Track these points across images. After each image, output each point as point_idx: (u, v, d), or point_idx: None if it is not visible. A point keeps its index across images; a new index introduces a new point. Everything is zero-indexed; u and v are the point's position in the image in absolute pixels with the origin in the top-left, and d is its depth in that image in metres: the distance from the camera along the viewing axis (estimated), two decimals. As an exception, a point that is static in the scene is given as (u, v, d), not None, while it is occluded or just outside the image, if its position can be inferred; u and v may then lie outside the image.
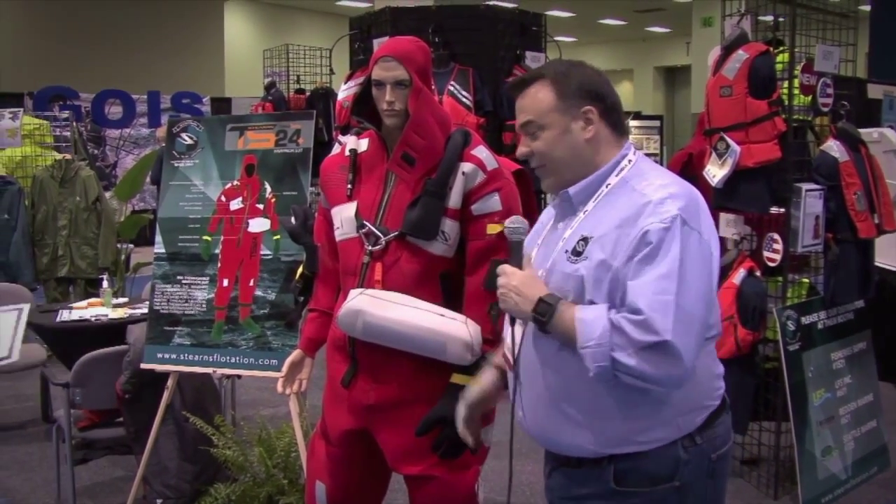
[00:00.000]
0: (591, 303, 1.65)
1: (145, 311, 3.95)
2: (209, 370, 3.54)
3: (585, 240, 1.69)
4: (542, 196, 5.69)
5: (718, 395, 1.79)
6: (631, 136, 1.94)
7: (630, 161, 1.77)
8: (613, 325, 1.58)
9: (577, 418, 1.72)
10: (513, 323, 1.79)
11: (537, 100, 1.77)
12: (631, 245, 1.61)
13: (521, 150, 1.82)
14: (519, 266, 1.76)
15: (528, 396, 1.80)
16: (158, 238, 3.63)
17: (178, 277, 3.56)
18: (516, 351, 1.81)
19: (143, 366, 3.52)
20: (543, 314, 1.66)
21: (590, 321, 1.60)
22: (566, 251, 1.72)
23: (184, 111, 11.79)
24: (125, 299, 4.98)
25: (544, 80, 1.77)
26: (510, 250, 1.80)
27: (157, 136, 10.17)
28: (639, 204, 1.65)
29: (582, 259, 1.68)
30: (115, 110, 11.97)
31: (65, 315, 4.42)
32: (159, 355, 3.51)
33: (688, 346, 1.57)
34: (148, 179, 7.63)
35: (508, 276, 1.74)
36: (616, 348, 1.57)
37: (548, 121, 1.76)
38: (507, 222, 1.80)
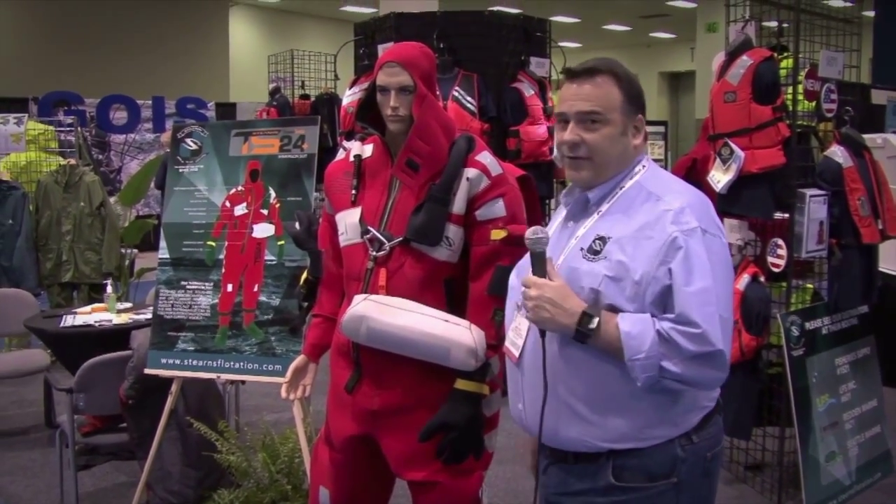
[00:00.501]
0: (612, 306, 1.67)
1: (149, 316, 3.96)
2: (213, 376, 3.54)
3: (603, 239, 1.72)
4: (547, 202, 5.71)
5: (715, 396, 1.83)
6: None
7: (644, 166, 1.82)
8: (662, 336, 1.61)
9: (580, 412, 1.73)
10: (543, 335, 1.75)
11: (608, 93, 1.78)
12: (660, 250, 1.64)
13: (570, 137, 1.79)
14: (543, 276, 1.75)
15: (529, 390, 1.81)
16: (162, 243, 3.64)
17: (182, 283, 3.57)
18: (521, 345, 1.82)
19: (146, 371, 3.53)
20: (589, 329, 1.66)
21: (637, 334, 1.63)
22: (581, 248, 1.74)
23: (188, 116, 11.82)
24: (129, 304, 4.99)
25: (614, 76, 1.79)
26: (533, 261, 1.77)
27: (161, 141, 10.20)
28: (658, 210, 1.69)
29: (601, 258, 1.70)
30: (119, 115, 12.00)
31: (68, 320, 4.43)
32: (163, 360, 3.52)
33: (729, 353, 1.66)
34: (152, 184, 7.64)
35: (540, 287, 1.72)
36: (664, 358, 1.62)
37: (613, 117, 1.78)
38: (528, 233, 1.76)
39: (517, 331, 1.85)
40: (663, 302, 1.64)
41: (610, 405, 1.71)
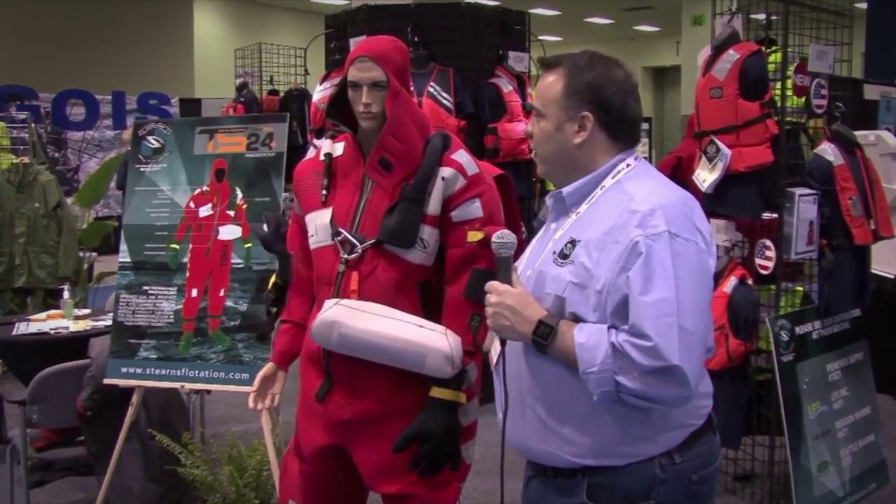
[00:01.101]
0: (575, 315, 1.67)
1: (109, 323, 3.93)
2: (177, 385, 3.53)
3: (573, 242, 1.71)
4: (526, 202, 5.74)
5: (703, 413, 1.80)
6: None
7: (629, 165, 1.80)
8: (616, 349, 1.59)
9: (551, 426, 1.74)
10: (503, 343, 1.78)
11: (547, 87, 1.81)
12: (621, 256, 1.62)
13: (527, 128, 1.88)
14: (508, 283, 1.76)
15: (512, 373, 1.82)
16: (123, 246, 3.63)
17: (144, 288, 3.56)
18: (497, 357, 1.84)
19: (106, 381, 3.51)
20: (544, 337, 1.67)
21: (591, 347, 1.62)
22: (554, 252, 1.75)
23: (151, 113, 11.77)
24: (87, 311, 4.95)
25: (561, 69, 1.81)
26: (497, 266, 1.79)
27: (122, 138, 10.13)
28: (627, 210, 1.66)
29: (568, 263, 1.70)
30: (77, 111, 11.91)
31: (22, 328, 4.38)
32: (123, 370, 3.50)
33: (693, 368, 1.60)
34: (113, 184, 7.59)
35: (501, 294, 1.74)
36: (619, 372, 1.59)
37: (548, 112, 1.80)
38: (494, 237, 1.80)
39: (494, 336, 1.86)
40: (624, 312, 1.61)
41: (573, 418, 1.71)
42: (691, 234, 1.66)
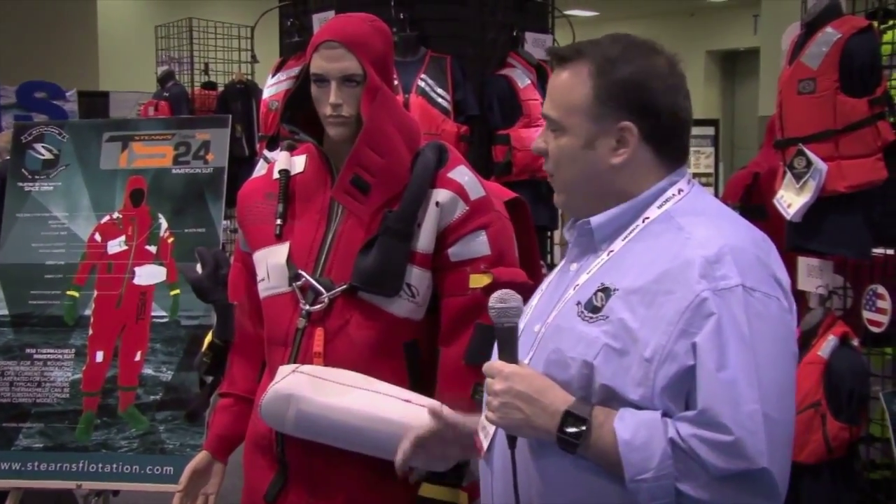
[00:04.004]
0: (608, 391, 1.65)
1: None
2: (71, 485, 3.52)
3: (607, 291, 1.70)
4: (548, 235, 5.77)
5: None
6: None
7: (681, 191, 1.80)
8: (678, 446, 1.57)
9: None
10: (512, 446, 1.75)
11: (568, 90, 1.79)
12: (681, 314, 1.61)
13: (537, 142, 1.86)
14: (514, 362, 1.75)
15: (499, 489, 1.82)
16: (-1, 294, 3.65)
17: (28, 351, 3.57)
18: (491, 435, 1.83)
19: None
20: (575, 435, 1.65)
21: (640, 445, 1.59)
22: (578, 303, 1.73)
23: (37, 111, 11.74)
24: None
25: (586, 63, 1.78)
26: (499, 341, 1.80)
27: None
28: (685, 256, 1.65)
29: (600, 319, 1.69)
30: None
31: None
32: (-4, 465, 3.50)
33: (783, 471, 1.59)
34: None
35: (508, 377, 1.72)
36: (682, 478, 1.58)
37: (571, 123, 1.78)
38: (493, 299, 1.80)
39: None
40: (681, 391, 1.60)
41: None
42: (770, 287, 1.67)
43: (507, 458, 1.75)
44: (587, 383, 1.68)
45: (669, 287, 1.63)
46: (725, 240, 1.67)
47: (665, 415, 1.61)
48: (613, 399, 1.66)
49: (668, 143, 1.80)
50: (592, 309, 1.70)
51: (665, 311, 1.62)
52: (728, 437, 1.54)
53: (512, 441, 1.74)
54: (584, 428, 1.64)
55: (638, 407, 1.63)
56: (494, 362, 1.77)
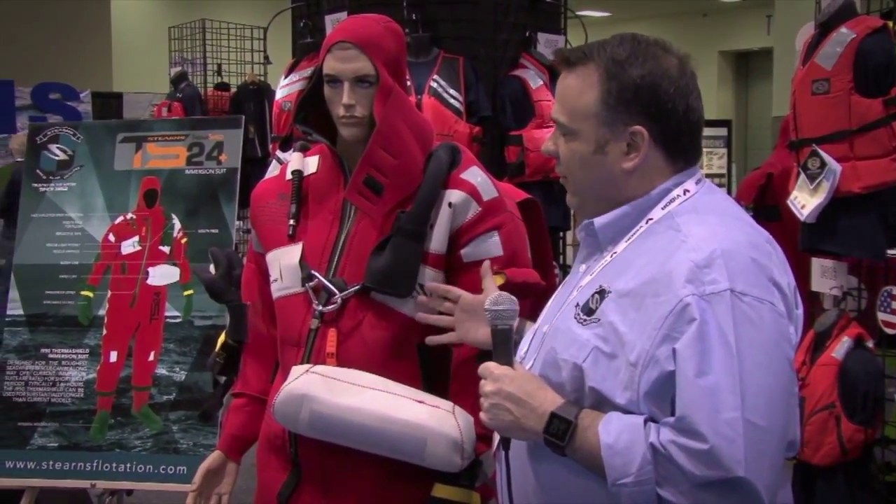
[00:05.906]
0: (597, 394, 1.65)
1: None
2: (86, 484, 3.53)
3: (602, 293, 1.71)
4: (561, 235, 5.77)
5: None
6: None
7: (687, 192, 1.79)
8: (658, 452, 1.58)
9: None
10: (506, 447, 1.77)
11: (577, 94, 1.79)
12: (664, 318, 1.61)
13: (547, 144, 1.86)
14: (509, 364, 1.77)
15: (518, 487, 1.82)
16: (13, 294, 3.65)
17: (43, 351, 3.58)
18: (497, 443, 1.85)
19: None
20: (560, 436, 1.66)
21: (622, 449, 1.60)
22: (577, 304, 1.74)
23: (51, 112, 11.77)
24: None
25: (594, 66, 1.77)
26: (494, 343, 1.81)
27: (10, 146, 10.18)
28: (675, 259, 1.65)
29: (592, 321, 1.69)
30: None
31: None
32: (10, 464, 3.50)
33: (765, 478, 1.57)
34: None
35: (498, 379, 1.74)
36: (663, 483, 1.58)
37: (581, 128, 1.78)
38: (489, 302, 1.82)
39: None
40: (664, 396, 1.60)
41: None
42: (764, 291, 1.64)
43: (502, 469, 1.78)
44: (579, 385, 1.69)
45: (657, 290, 1.63)
46: (719, 243, 1.65)
47: (651, 419, 1.61)
48: (603, 402, 1.67)
49: (679, 145, 1.79)
50: (588, 311, 1.71)
51: (651, 314, 1.63)
52: (703, 444, 1.54)
53: (505, 442, 1.77)
54: (568, 430, 1.65)
55: (625, 411, 1.64)
56: (488, 364, 1.79)
